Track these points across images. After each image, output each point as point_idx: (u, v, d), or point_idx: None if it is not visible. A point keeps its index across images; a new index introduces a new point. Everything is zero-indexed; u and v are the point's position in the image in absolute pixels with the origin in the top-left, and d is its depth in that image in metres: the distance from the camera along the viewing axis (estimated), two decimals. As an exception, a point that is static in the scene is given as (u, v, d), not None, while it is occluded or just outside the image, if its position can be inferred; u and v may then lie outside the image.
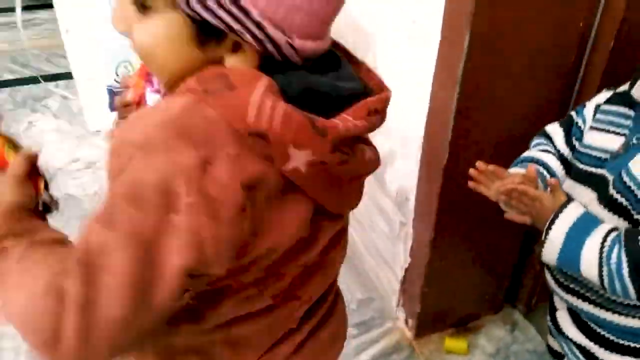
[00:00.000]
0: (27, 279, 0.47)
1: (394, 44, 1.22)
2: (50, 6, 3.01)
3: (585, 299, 0.87)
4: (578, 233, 0.75)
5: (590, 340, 0.90)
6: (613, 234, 0.73)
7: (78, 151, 2.10)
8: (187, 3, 0.50)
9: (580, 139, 0.87)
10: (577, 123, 0.89)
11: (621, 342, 0.87)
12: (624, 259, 0.71)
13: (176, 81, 0.55)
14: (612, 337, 0.87)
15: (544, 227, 0.78)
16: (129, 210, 0.46)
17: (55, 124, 2.26)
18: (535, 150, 0.91)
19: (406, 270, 1.37)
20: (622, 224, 0.76)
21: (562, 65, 1.08)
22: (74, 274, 0.45)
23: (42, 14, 3.03)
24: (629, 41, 1.06)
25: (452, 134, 1.08)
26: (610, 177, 0.78)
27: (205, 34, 0.53)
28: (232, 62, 0.54)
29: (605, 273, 0.73)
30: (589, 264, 0.74)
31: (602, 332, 0.88)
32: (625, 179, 0.75)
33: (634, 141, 0.76)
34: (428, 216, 1.22)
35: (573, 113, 0.91)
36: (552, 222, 0.76)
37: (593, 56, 1.09)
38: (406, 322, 1.43)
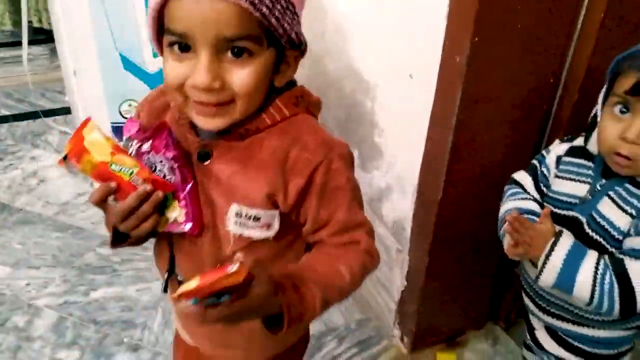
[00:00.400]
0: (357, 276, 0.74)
1: (392, 91, 1.40)
2: (42, 42, 3.14)
3: (561, 318, 1.04)
4: (573, 259, 0.91)
5: (568, 351, 1.07)
6: (602, 261, 0.90)
7: (83, 186, 2.21)
8: (289, 29, 0.66)
9: (547, 185, 1.05)
10: (542, 171, 1.06)
11: (593, 351, 1.05)
12: (615, 282, 0.88)
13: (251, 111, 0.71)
14: (586, 348, 1.05)
15: (538, 254, 0.93)
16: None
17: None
18: (516, 200, 1.07)
19: (402, 292, 1.53)
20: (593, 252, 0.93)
21: (535, 113, 1.28)
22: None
23: (34, 50, 3.12)
24: (590, 94, 1.25)
25: (446, 173, 1.25)
26: (583, 219, 0.95)
27: (280, 59, 0.70)
28: (279, 81, 0.72)
29: (597, 293, 0.89)
30: (582, 286, 0.89)
31: (577, 344, 1.06)
32: (598, 219, 0.93)
33: (598, 188, 0.94)
34: (423, 244, 1.39)
35: (535, 162, 1.09)
36: (552, 248, 0.92)
37: (561, 105, 1.29)
38: (402, 339, 1.59)
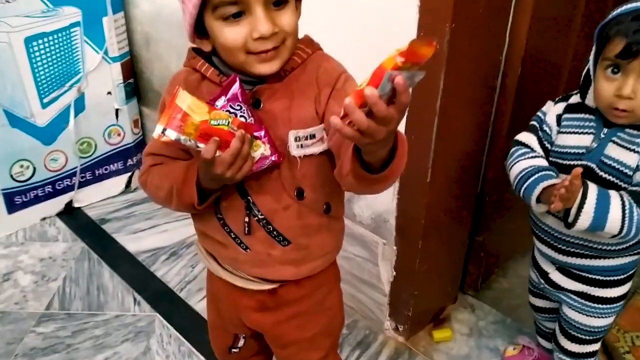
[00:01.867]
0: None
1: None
2: None
3: (580, 255, 1.17)
4: (602, 202, 1.03)
5: (585, 284, 1.21)
6: (625, 198, 1.03)
7: (-14, 268, 1.91)
8: None
9: (550, 142, 1.17)
10: (544, 130, 1.18)
11: (608, 278, 1.19)
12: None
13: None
14: (600, 277, 1.19)
15: (573, 204, 1.04)
16: None
17: (-61, 244, 2.01)
18: (529, 159, 1.17)
19: (391, 283, 1.58)
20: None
21: (488, 97, 1.43)
22: None
23: None
24: (529, 76, 1.43)
25: (432, 160, 1.34)
26: (593, 165, 1.08)
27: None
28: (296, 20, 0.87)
29: (627, 225, 1.02)
30: (613, 222, 1.02)
31: (592, 276, 1.20)
32: (609, 162, 1.07)
33: (602, 135, 1.08)
34: (414, 231, 1.46)
35: (534, 123, 1.20)
36: (583, 199, 1.03)
37: (503, 90, 1.45)
38: (396, 329, 1.64)
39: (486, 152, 1.54)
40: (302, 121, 0.86)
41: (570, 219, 1.06)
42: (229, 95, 0.82)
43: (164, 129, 0.78)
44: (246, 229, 0.93)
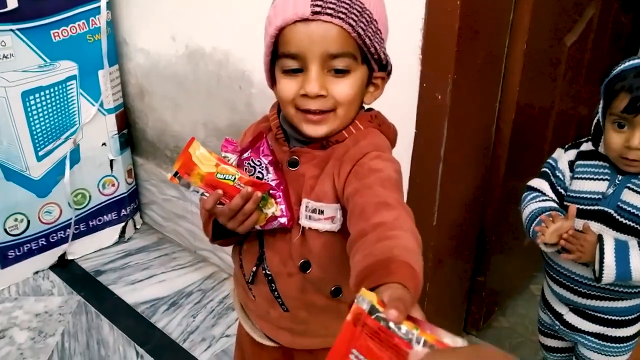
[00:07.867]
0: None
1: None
2: None
3: (600, 298, 1.20)
4: (621, 253, 1.08)
5: (602, 325, 1.24)
6: None
7: (-22, 324, 1.86)
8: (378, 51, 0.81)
9: (564, 188, 1.21)
10: (557, 176, 1.22)
11: (623, 318, 1.22)
12: None
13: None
14: (616, 318, 1.22)
15: (589, 259, 1.09)
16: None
17: None
18: (539, 202, 1.21)
19: (398, 326, 1.59)
20: (630, 238, 1.11)
21: (486, 144, 1.49)
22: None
23: None
24: (521, 121, 1.50)
25: (438, 205, 1.38)
26: (610, 210, 1.12)
27: (369, 80, 0.85)
28: (368, 99, 0.87)
29: None
30: (638, 270, 1.07)
31: (609, 317, 1.23)
32: (627, 207, 1.11)
33: (617, 182, 1.13)
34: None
35: (546, 169, 1.25)
36: (602, 253, 1.08)
37: (499, 134, 1.52)
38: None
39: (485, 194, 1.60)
40: (319, 194, 0.85)
41: (596, 274, 1.11)
42: (253, 150, 0.87)
43: (176, 172, 0.82)
44: (250, 277, 0.94)
